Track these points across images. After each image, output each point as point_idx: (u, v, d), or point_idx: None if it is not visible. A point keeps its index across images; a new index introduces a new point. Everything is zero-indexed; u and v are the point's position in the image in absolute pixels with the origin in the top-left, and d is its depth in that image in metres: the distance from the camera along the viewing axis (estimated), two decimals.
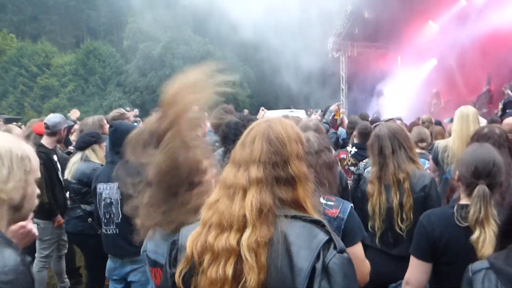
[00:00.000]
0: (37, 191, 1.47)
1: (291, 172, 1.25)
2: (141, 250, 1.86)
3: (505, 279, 1.13)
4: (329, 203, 2.13)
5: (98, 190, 3.18)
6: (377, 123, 5.29)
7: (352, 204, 2.22)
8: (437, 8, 13.17)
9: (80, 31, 43.99)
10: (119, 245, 3.14)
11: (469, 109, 3.67)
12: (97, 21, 43.67)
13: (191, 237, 1.25)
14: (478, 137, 2.84)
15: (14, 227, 1.69)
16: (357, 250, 2.13)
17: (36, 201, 1.47)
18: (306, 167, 1.32)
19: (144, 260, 1.85)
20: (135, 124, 5.72)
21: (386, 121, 4.84)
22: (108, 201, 3.13)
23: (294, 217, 1.22)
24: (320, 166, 2.20)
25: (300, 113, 14.48)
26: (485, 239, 1.91)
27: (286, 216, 1.21)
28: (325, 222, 1.22)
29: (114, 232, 3.13)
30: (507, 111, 8.67)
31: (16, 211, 1.38)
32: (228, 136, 3.01)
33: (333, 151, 2.78)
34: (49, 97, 33.29)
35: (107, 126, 4.76)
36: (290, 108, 17.27)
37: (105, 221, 3.16)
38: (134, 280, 3.18)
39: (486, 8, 12.63)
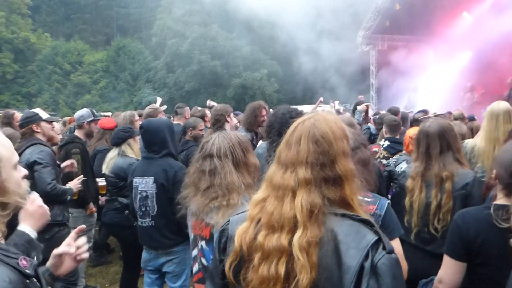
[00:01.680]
0: (22, 173, 1.37)
1: (338, 172, 1.25)
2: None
3: None
4: (366, 199, 2.10)
5: (134, 184, 3.27)
6: (424, 117, 5.18)
7: (389, 201, 2.20)
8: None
9: (110, 29, 45.06)
10: (154, 237, 3.23)
11: (501, 107, 3.42)
12: (126, 18, 44.59)
13: (239, 232, 1.28)
14: (511, 132, 2.75)
15: (32, 206, 1.68)
16: (395, 246, 2.11)
17: (25, 184, 1.38)
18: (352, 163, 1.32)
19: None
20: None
21: (436, 115, 4.72)
22: (144, 194, 3.21)
23: (343, 216, 1.22)
24: (356, 163, 2.17)
25: (326, 108, 14.31)
26: None
27: (335, 214, 1.22)
28: (374, 221, 1.23)
29: (150, 224, 3.22)
30: None
31: (3, 208, 1.27)
32: (274, 126, 3.02)
33: (369, 147, 2.74)
34: (82, 94, 34.33)
35: (138, 122, 4.87)
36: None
37: (141, 213, 3.25)
38: (169, 271, 3.28)
39: None
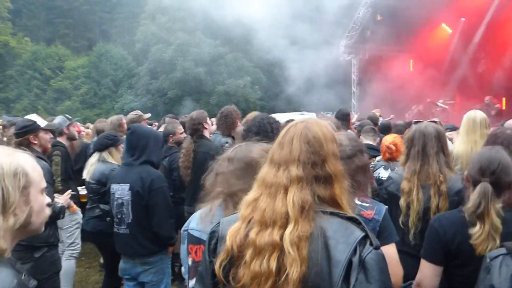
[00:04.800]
0: (47, 200, 1.39)
1: (328, 171, 1.32)
2: (182, 230, 1.95)
3: None
4: (364, 204, 2.13)
5: (111, 190, 3.27)
6: (417, 120, 5.27)
7: (386, 206, 2.21)
8: (450, 12, 13.10)
9: (93, 34, 44.55)
10: (129, 246, 3.22)
11: (477, 114, 3.60)
12: (110, 24, 44.20)
13: (231, 232, 1.32)
14: (490, 137, 2.84)
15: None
16: (392, 250, 2.12)
17: (48, 211, 1.40)
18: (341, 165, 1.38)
19: (183, 239, 1.93)
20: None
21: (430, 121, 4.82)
22: (120, 201, 3.21)
23: (332, 214, 1.29)
24: (353, 170, 2.15)
25: (311, 116, 14.45)
26: (481, 235, 1.93)
27: (324, 212, 1.29)
28: (360, 219, 1.29)
29: (125, 232, 3.20)
30: None
31: (24, 228, 1.30)
32: (252, 129, 3.06)
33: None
34: (62, 100, 33.74)
35: (125, 126, 4.87)
36: (300, 111, 17.27)
37: (117, 221, 3.25)
38: (146, 281, 3.25)
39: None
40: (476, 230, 1.96)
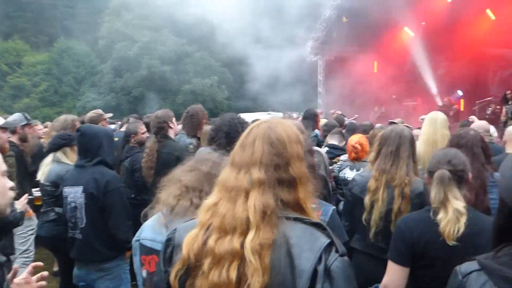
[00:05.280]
0: (9, 184, 1.40)
1: (292, 174, 1.25)
2: (133, 240, 1.85)
3: (498, 280, 1.13)
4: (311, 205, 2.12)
5: (64, 193, 3.10)
6: (392, 121, 5.34)
7: (334, 207, 2.22)
8: (412, 16, 13.48)
9: (54, 29, 42.88)
10: (83, 251, 3.07)
11: (438, 115, 3.72)
12: (72, 19, 42.67)
13: (188, 239, 1.23)
14: (453, 137, 2.89)
15: None
16: None
17: (11, 193, 1.42)
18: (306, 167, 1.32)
19: (135, 250, 1.83)
20: (111, 126, 5.61)
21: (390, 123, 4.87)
22: (73, 205, 3.05)
23: (296, 219, 1.22)
24: None
25: (278, 116, 14.50)
26: (446, 219, 1.98)
27: (288, 218, 1.21)
28: (326, 225, 1.23)
29: (79, 237, 3.05)
30: None
31: None
32: (222, 128, 2.97)
33: (315, 153, 2.74)
34: (20, 97, 32.30)
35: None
36: (267, 111, 17.30)
37: (71, 225, 3.09)
38: None
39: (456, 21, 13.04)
40: (440, 217, 1.99)
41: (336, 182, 3.86)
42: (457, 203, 1.98)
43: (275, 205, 1.20)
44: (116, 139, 5.06)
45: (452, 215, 1.97)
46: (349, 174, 3.81)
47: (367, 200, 2.78)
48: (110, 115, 5.67)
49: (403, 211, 2.65)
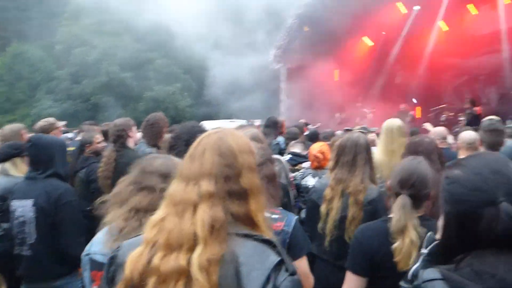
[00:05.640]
0: None
1: (243, 185, 1.20)
2: (83, 254, 1.75)
3: None
4: (273, 216, 2.07)
5: (11, 207, 2.91)
6: (348, 129, 5.40)
7: (297, 217, 2.20)
8: (371, 26, 13.89)
9: (7, 33, 40.97)
10: (33, 268, 2.88)
11: (394, 123, 3.76)
12: (27, 23, 40.93)
13: (132, 257, 1.14)
14: (410, 145, 2.95)
15: None
16: (302, 265, 2.10)
17: None
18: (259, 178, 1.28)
19: (84, 265, 1.71)
20: (65, 136, 5.35)
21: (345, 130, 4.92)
22: (22, 219, 2.85)
23: (246, 236, 1.16)
24: (262, 178, 2.14)
25: (241, 124, 14.48)
26: (402, 249, 1.97)
27: (237, 235, 1.16)
28: (277, 241, 1.18)
29: (27, 254, 2.87)
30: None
31: None
32: (182, 136, 2.90)
33: (276, 162, 2.72)
34: None
35: (26, 136, 4.40)
36: (231, 119, 17.23)
37: (18, 241, 2.89)
38: None
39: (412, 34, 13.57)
40: (397, 245, 1.98)
41: (298, 190, 3.85)
42: (414, 233, 1.98)
43: (225, 219, 1.15)
44: (72, 148, 4.84)
45: (408, 247, 1.96)
46: (311, 182, 3.82)
47: (323, 209, 2.81)
48: (64, 123, 5.41)
49: (356, 218, 2.69)
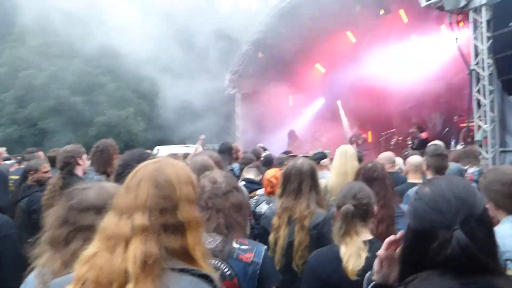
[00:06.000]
0: None
1: (180, 218, 1.15)
2: None
3: None
4: (242, 247, 2.02)
5: None
6: (292, 155, 5.43)
7: (266, 246, 2.15)
8: (323, 53, 14.40)
9: None
10: None
11: (348, 148, 3.96)
12: None
13: None
14: (365, 171, 3.01)
15: None
16: None
17: None
18: (198, 210, 1.24)
19: None
20: (5, 163, 5.02)
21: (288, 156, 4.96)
22: None
23: (181, 271, 1.12)
24: (229, 208, 2.08)
25: (197, 148, 14.33)
26: (347, 254, 2.03)
27: (173, 270, 1.10)
28: (214, 276, 1.15)
29: None
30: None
31: None
32: (131, 163, 2.77)
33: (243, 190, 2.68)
34: None
35: None
36: (185, 144, 17.03)
37: None
38: None
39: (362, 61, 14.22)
40: (343, 252, 2.03)
41: (254, 218, 3.80)
42: (359, 239, 2.03)
43: (159, 254, 1.09)
44: (15, 177, 4.56)
45: (354, 251, 2.01)
46: (265, 208, 3.80)
47: (271, 238, 2.81)
48: (4, 149, 5.09)
49: (302, 243, 2.71)
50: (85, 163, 4.16)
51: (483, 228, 1.10)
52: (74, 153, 3.99)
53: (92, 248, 1.13)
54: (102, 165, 4.20)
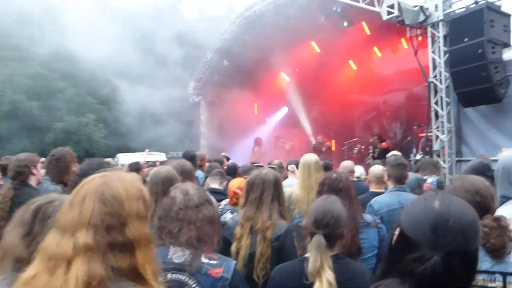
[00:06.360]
0: None
1: (129, 236, 1.08)
2: None
3: None
4: (211, 262, 1.95)
5: None
6: (258, 165, 5.40)
7: (235, 261, 2.12)
8: (287, 63, 14.56)
9: None
10: None
11: (312, 158, 3.92)
12: None
13: None
14: (330, 181, 3.00)
15: None
16: None
17: None
18: (149, 227, 1.16)
19: None
20: None
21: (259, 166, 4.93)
22: None
23: None
24: (200, 221, 2.01)
25: (160, 156, 14.07)
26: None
27: None
28: None
29: None
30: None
31: None
32: (88, 173, 2.63)
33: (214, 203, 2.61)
34: None
35: None
36: (149, 151, 16.65)
37: None
38: None
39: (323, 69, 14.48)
40: (316, 286, 1.96)
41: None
42: (330, 273, 1.99)
43: (105, 275, 1.01)
44: None
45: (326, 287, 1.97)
46: (228, 218, 3.73)
47: (233, 248, 2.76)
48: None
49: (264, 255, 2.67)
50: (39, 172, 3.96)
51: (465, 268, 1.08)
52: (27, 162, 3.80)
53: (32, 269, 1.04)
54: (59, 175, 4.03)
